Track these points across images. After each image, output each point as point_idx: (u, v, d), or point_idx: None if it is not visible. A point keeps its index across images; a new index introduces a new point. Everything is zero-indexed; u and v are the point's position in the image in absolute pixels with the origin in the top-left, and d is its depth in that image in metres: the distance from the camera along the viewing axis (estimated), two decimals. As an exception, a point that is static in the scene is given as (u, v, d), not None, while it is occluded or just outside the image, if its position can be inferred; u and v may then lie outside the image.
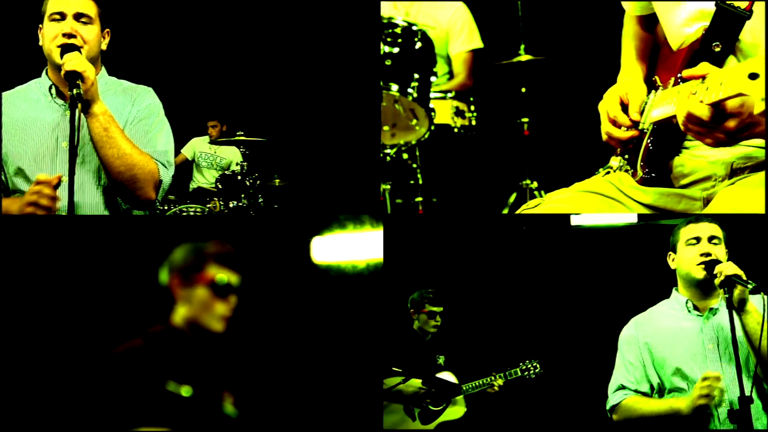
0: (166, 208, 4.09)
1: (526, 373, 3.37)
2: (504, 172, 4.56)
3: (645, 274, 2.44)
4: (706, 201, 1.92)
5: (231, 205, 4.34)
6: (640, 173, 1.98)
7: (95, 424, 1.55)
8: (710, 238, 2.10)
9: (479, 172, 4.50)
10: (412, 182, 4.22)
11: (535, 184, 4.36)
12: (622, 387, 2.20)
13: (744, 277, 1.92)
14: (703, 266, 2.06)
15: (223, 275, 1.75)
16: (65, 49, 2.20)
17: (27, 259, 2.55)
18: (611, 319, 2.34)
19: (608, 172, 2.10)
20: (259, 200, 4.39)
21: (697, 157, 1.94)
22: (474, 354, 3.50)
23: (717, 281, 1.96)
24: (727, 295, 1.92)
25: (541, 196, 3.27)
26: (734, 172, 1.90)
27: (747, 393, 1.82)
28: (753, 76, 1.49)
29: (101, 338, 2.33)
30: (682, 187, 1.96)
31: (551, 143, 4.56)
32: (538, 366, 3.37)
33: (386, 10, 4.33)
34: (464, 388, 3.39)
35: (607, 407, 2.23)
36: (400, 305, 3.50)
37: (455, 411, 3.39)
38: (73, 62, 2.13)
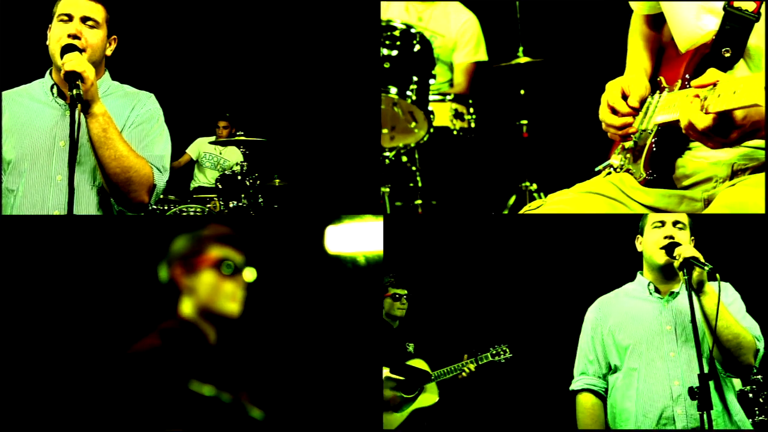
0: (166, 208, 4.10)
1: (497, 357, 3.40)
2: (503, 174, 4.57)
3: (614, 258, 2.48)
4: (707, 202, 1.93)
5: (231, 205, 4.34)
6: (643, 174, 1.99)
7: (119, 427, 1.48)
8: (675, 223, 2.16)
9: (479, 174, 4.49)
10: (411, 185, 4.21)
11: (534, 186, 4.36)
12: (583, 373, 2.30)
13: (702, 260, 1.99)
14: (664, 251, 2.12)
15: (228, 256, 1.68)
16: (65, 49, 2.21)
17: (27, 259, 2.55)
18: (581, 303, 2.40)
19: (609, 172, 2.11)
20: (259, 200, 4.39)
21: (698, 159, 1.95)
22: (444, 340, 3.51)
23: (676, 264, 2.03)
24: (686, 277, 1.99)
25: (540, 198, 3.28)
26: (735, 173, 1.91)
27: (705, 371, 1.89)
28: None
29: (107, 338, 2.35)
30: (684, 188, 1.97)
31: (550, 145, 4.56)
32: (507, 350, 3.40)
33: (399, 15, 4.34)
34: (435, 374, 3.40)
35: (570, 389, 2.34)
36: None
37: (428, 398, 3.40)
38: (73, 62, 2.15)
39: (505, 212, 4.41)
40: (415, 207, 4.19)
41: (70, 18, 2.28)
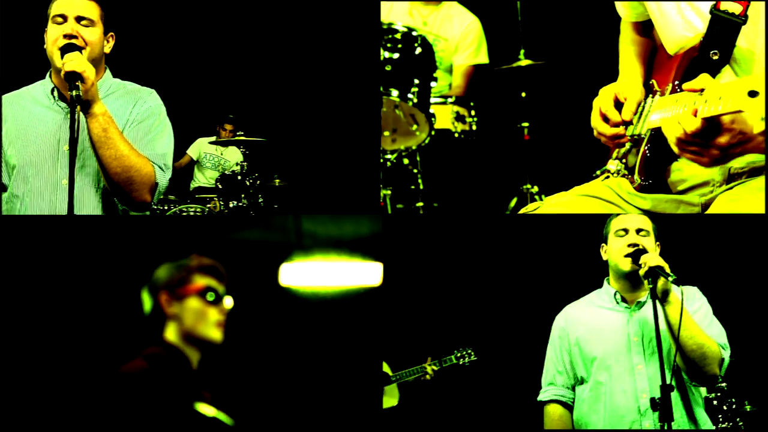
0: (166, 208, 4.10)
1: (461, 360, 3.37)
2: (504, 176, 4.57)
3: (580, 265, 2.47)
4: (705, 206, 1.92)
5: (231, 205, 4.35)
6: (637, 180, 1.97)
7: None
8: (638, 230, 2.15)
9: (480, 176, 4.50)
10: (412, 187, 4.21)
11: (535, 189, 4.36)
12: (551, 383, 2.30)
13: (667, 269, 1.97)
14: (630, 259, 2.11)
15: (212, 286, 1.75)
16: (65, 49, 2.20)
17: (27, 260, 2.55)
18: (546, 308, 2.39)
19: (607, 176, 2.10)
20: (259, 200, 4.40)
21: (694, 163, 1.94)
22: (407, 341, 3.44)
23: (641, 272, 2.02)
24: (651, 286, 1.97)
25: (541, 200, 3.27)
26: (732, 177, 1.90)
27: (668, 382, 1.89)
28: (753, 94, 1.48)
29: (102, 343, 2.34)
30: (680, 193, 1.96)
31: (551, 148, 4.56)
32: (472, 353, 3.36)
33: (403, 19, 4.34)
34: (396, 375, 3.35)
35: (538, 399, 2.32)
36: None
37: (389, 400, 3.35)
38: (73, 62, 2.14)
39: (507, 213, 4.41)
40: (417, 209, 4.19)
41: (65, 19, 2.27)
